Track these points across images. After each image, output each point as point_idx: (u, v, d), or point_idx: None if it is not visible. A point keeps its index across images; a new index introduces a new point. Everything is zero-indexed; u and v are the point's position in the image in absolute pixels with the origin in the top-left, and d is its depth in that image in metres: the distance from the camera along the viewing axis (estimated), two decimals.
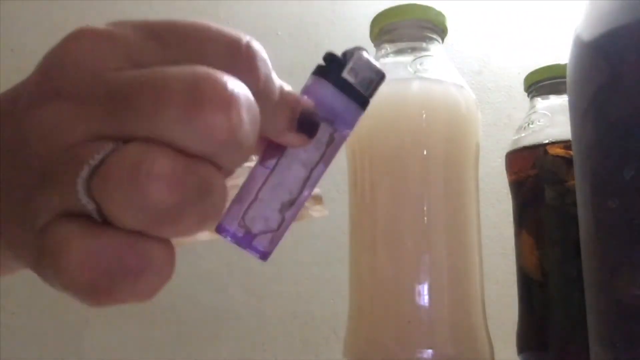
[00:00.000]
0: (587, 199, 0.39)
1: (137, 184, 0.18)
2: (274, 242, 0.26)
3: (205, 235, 0.28)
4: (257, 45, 0.23)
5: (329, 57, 0.25)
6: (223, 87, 0.19)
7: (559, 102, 0.56)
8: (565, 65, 0.42)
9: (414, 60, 0.51)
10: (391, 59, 0.52)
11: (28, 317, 0.68)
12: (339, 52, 0.27)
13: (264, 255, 0.26)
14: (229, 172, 0.23)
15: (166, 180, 0.19)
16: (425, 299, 0.47)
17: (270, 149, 0.25)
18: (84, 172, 0.19)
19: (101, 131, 0.20)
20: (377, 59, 0.53)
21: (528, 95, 0.59)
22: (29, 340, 0.68)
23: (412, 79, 0.50)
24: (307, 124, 0.25)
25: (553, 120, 0.55)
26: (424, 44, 0.52)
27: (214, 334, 0.76)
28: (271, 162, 0.25)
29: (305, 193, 0.25)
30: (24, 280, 0.36)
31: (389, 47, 0.53)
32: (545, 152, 0.53)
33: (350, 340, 0.50)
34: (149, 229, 0.19)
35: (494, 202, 0.85)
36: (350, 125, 0.26)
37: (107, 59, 0.21)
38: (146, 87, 0.19)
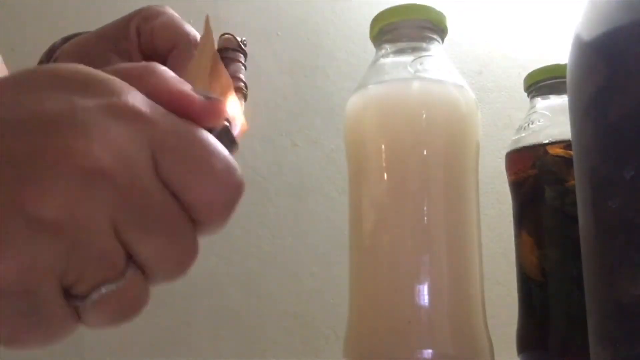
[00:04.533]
0: (587, 199, 0.39)
1: (119, 320, 0.24)
2: None
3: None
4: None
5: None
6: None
7: (559, 102, 0.56)
8: (565, 65, 0.42)
9: (414, 60, 0.51)
10: (391, 59, 0.52)
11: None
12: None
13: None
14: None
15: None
16: (425, 299, 0.47)
17: None
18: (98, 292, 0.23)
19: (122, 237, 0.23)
20: (377, 59, 0.53)
21: (528, 95, 0.59)
22: None
23: (412, 79, 0.50)
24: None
25: (553, 120, 0.55)
26: (424, 44, 0.52)
27: (214, 333, 0.76)
28: None
29: None
30: None
31: (389, 47, 0.53)
32: (545, 152, 0.53)
33: (350, 340, 0.50)
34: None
35: (494, 202, 0.85)
36: None
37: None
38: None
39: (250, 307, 0.77)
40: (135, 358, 0.71)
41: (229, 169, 0.24)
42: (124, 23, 0.38)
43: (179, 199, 0.24)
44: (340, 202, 0.78)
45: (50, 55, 0.41)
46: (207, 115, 0.25)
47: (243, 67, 0.32)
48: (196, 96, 0.25)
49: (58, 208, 0.21)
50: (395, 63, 0.52)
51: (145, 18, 0.38)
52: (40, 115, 0.22)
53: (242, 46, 0.33)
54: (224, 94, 0.28)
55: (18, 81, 0.23)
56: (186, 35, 0.37)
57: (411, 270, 0.48)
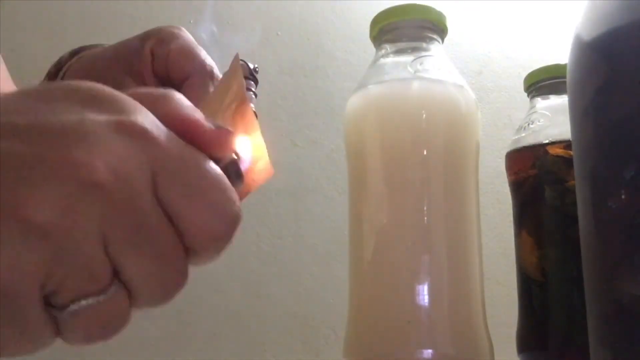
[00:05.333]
0: (587, 199, 0.39)
1: (96, 336, 0.24)
2: None
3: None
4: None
5: None
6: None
7: (559, 102, 0.56)
8: (565, 65, 0.42)
9: (414, 60, 0.51)
10: (391, 59, 0.52)
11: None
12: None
13: None
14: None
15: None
16: (425, 299, 0.47)
17: None
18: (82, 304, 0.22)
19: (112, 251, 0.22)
20: (377, 59, 0.53)
21: (528, 95, 0.59)
22: None
23: (412, 79, 0.50)
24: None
25: (553, 120, 0.55)
26: (424, 44, 0.52)
27: (214, 334, 0.76)
28: None
29: None
30: None
31: (389, 47, 0.53)
32: (545, 152, 0.53)
33: (350, 340, 0.50)
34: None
35: (494, 202, 0.85)
36: None
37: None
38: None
39: (250, 307, 0.77)
40: (135, 358, 0.71)
41: (227, 202, 0.24)
42: (139, 43, 0.37)
43: (174, 224, 0.23)
44: (340, 202, 0.78)
45: (58, 68, 0.40)
46: (215, 144, 0.25)
47: (254, 96, 0.32)
48: (206, 124, 0.25)
49: (49, 213, 0.21)
50: (395, 63, 0.52)
51: (160, 41, 0.37)
52: (50, 124, 0.22)
53: (254, 74, 0.32)
54: (248, 134, 0.28)
55: (36, 91, 0.24)
56: (202, 65, 0.36)
57: (411, 270, 0.48)
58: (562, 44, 0.47)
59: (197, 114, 0.26)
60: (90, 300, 0.22)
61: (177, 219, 0.23)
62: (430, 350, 0.46)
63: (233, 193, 0.25)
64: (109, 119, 0.23)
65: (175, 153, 0.24)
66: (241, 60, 0.32)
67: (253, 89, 0.32)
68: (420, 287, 0.47)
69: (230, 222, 0.25)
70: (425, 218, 0.48)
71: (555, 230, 0.53)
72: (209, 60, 0.36)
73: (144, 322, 0.72)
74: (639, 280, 0.35)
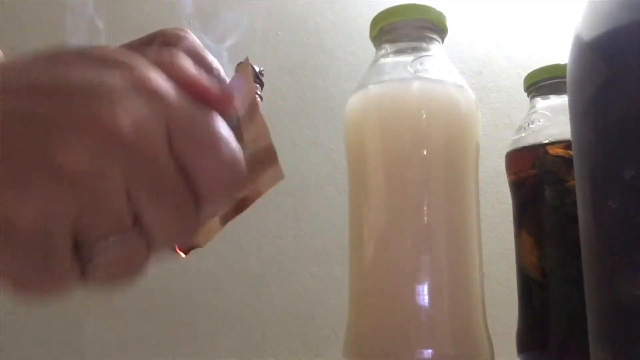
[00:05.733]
0: (587, 199, 0.39)
1: (119, 276, 0.26)
2: None
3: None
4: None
5: None
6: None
7: (559, 102, 0.56)
8: (565, 65, 0.42)
9: (414, 60, 0.51)
10: (391, 59, 0.52)
11: (28, 316, 0.69)
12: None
13: None
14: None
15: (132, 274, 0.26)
16: (425, 299, 0.47)
17: None
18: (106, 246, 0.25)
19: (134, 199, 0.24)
20: (377, 59, 0.53)
21: (528, 95, 0.59)
22: (28, 339, 0.68)
23: (412, 79, 0.50)
24: None
25: (553, 120, 0.55)
26: (424, 44, 0.52)
27: (214, 333, 0.76)
28: None
29: None
30: None
31: (389, 47, 0.53)
32: (545, 152, 0.53)
33: (350, 340, 0.50)
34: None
35: (494, 202, 0.85)
36: None
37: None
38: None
39: (250, 307, 0.77)
40: (135, 358, 0.71)
41: (233, 154, 0.27)
42: (145, 46, 0.38)
43: (187, 175, 0.26)
44: (340, 202, 0.77)
45: None
46: (219, 100, 0.28)
47: (260, 99, 0.32)
48: (212, 86, 0.28)
49: (79, 162, 0.23)
50: (395, 63, 0.52)
51: (165, 44, 0.37)
52: (71, 83, 0.24)
53: (260, 76, 0.32)
54: (258, 139, 0.29)
55: (47, 56, 0.25)
56: (208, 69, 0.37)
57: (411, 271, 0.48)
58: (562, 44, 0.47)
59: (203, 76, 0.28)
60: (115, 239, 0.24)
61: (191, 169, 0.26)
62: (430, 350, 0.46)
63: (236, 144, 0.27)
64: (126, 78, 0.25)
65: (186, 109, 0.26)
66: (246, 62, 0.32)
67: (259, 92, 0.32)
68: (420, 287, 0.47)
69: (235, 172, 0.27)
70: (425, 218, 0.48)
71: (555, 230, 0.53)
72: (216, 64, 0.37)
73: (144, 321, 0.72)
74: (639, 280, 0.35)
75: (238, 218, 0.32)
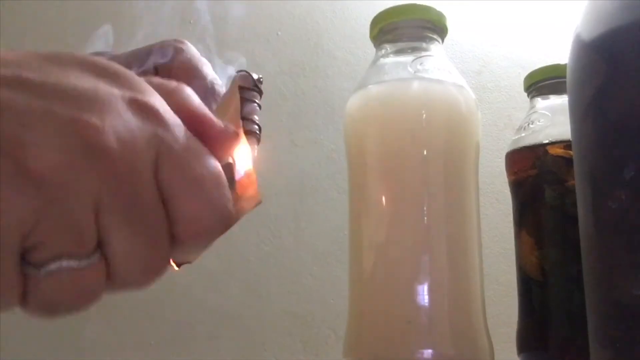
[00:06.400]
0: (587, 199, 0.39)
1: (65, 303, 0.23)
2: None
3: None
4: None
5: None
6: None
7: (559, 102, 0.56)
8: (565, 65, 0.42)
9: (414, 60, 0.51)
10: (391, 59, 0.52)
11: (28, 316, 0.68)
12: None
13: None
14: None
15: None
16: (425, 299, 0.47)
17: None
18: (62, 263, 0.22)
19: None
20: (377, 59, 0.53)
21: (528, 95, 0.59)
22: (28, 339, 0.68)
23: (412, 79, 0.50)
24: None
25: (553, 120, 0.55)
26: (424, 44, 0.52)
27: (214, 333, 0.76)
28: None
29: None
30: None
31: (389, 47, 0.53)
32: (545, 152, 0.53)
33: (350, 340, 0.50)
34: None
35: (494, 202, 0.85)
36: None
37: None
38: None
39: (250, 307, 0.77)
40: (135, 358, 0.71)
41: (222, 198, 0.25)
42: (144, 57, 0.38)
43: (167, 210, 0.24)
44: (340, 202, 0.77)
45: None
46: (220, 141, 0.26)
47: (258, 107, 0.32)
48: (215, 121, 0.26)
49: (48, 162, 0.21)
50: (395, 63, 0.52)
51: (163, 56, 0.37)
52: (63, 84, 0.22)
53: (258, 85, 0.32)
54: (240, 160, 0.28)
55: (46, 55, 0.24)
56: (204, 80, 0.36)
57: (411, 270, 0.48)
58: (562, 44, 0.47)
59: (206, 110, 0.26)
60: (70, 262, 0.22)
61: (171, 204, 0.24)
62: (430, 350, 0.46)
63: (229, 192, 0.25)
64: (123, 93, 0.23)
65: (181, 140, 0.24)
66: (244, 71, 0.32)
67: (257, 101, 0.32)
68: (420, 287, 0.47)
69: (221, 220, 0.25)
70: (425, 218, 0.48)
71: (555, 230, 0.53)
72: (211, 77, 0.36)
73: (144, 322, 0.72)
74: (639, 280, 0.35)
75: None
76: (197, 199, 0.24)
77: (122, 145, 0.22)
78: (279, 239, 0.80)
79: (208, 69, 0.35)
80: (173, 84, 0.26)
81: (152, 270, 0.24)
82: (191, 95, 0.26)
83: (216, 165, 0.25)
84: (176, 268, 0.27)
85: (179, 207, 0.24)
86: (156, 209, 0.23)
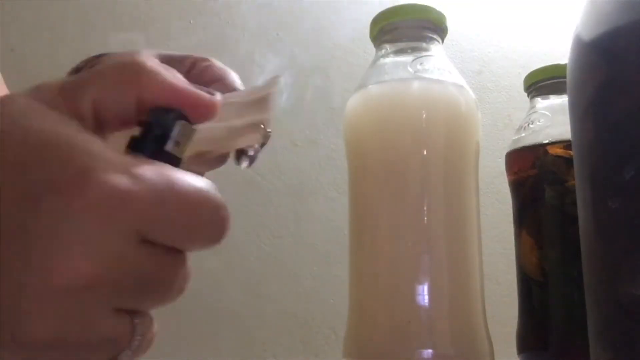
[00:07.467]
0: (587, 199, 0.39)
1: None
2: None
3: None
4: None
5: (146, 130, 0.25)
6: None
7: (559, 102, 0.56)
8: (565, 65, 0.42)
9: (414, 60, 0.51)
10: (391, 59, 0.52)
11: None
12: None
13: None
14: None
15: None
16: (425, 299, 0.47)
17: None
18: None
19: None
20: (377, 59, 0.53)
21: (528, 95, 0.59)
22: None
23: (412, 79, 0.50)
24: None
25: (553, 120, 0.55)
26: (424, 44, 0.52)
27: (213, 333, 0.76)
28: None
29: None
30: None
31: (389, 47, 0.53)
32: (545, 152, 0.53)
33: (350, 340, 0.50)
34: None
35: (494, 202, 0.85)
36: None
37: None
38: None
39: (250, 307, 0.77)
40: None
41: (215, 212, 0.25)
42: (179, 57, 0.37)
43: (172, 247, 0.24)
44: (340, 202, 0.77)
45: (78, 70, 0.40)
46: (204, 108, 0.26)
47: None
48: (191, 89, 0.26)
49: (50, 329, 0.21)
50: (395, 63, 0.52)
51: (201, 59, 0.37)
52: (27, 230, 0.21)
53: (265, 140, 0.32)
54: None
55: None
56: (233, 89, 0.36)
57: (411, 270, 0.48)
58: (562, 44, 0.47)
59: (177, 80, 0.26)
60: (127, 354, 0.24)
61: (174, 245, 0.24)
62: (430, 350, 0.46)
63: (219, 204, 0.25)
64: (77, 197, 0.21)
65: (155, 200, 0.23)
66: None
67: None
68: (420, 287, 0.47)
69: (222, 227, 0.25)
70: (425, 218, 0.48)
71: (555, 230, 0.53)
72: (238, 85, 0.37)
73: None
74: (639, 280, 0.35)
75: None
76: (195, 235, 0.25)
77: (101, 264, 0.22)
78: (279, 239, 0.80)
79: (236, 78, 0.36)
80: (127, 69, 0.25)
81: (182, 285, 0.26)
82: (153, 69, 0.25)
83: (192, 191, 0.24)
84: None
85: (184, 246, 0.25)
86: (160, 266, 0.24)
